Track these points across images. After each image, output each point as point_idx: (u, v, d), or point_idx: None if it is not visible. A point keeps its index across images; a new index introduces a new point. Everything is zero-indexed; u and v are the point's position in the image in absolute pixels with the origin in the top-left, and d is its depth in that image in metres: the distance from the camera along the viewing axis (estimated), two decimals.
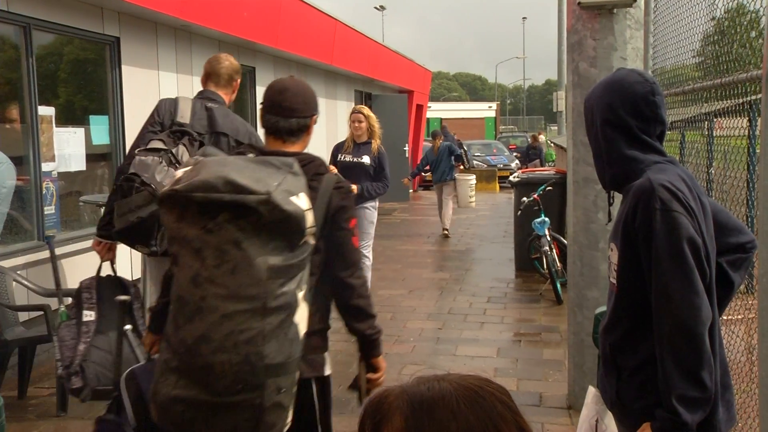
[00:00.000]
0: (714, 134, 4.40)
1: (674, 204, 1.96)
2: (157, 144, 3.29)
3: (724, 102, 3.54)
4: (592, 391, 2.42)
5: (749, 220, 4.22)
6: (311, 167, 2.49)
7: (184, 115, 3.50)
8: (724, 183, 4.19)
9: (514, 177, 9.47)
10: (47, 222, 6.03)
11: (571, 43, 4.49)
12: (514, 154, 27.11)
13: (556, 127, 30.42)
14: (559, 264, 7.81)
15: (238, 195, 2.10)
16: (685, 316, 1.92)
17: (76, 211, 6.60)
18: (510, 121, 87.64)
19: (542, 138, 29.35)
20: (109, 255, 3.53)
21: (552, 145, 24.40)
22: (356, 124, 6.89)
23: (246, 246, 2.11)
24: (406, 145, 16.82)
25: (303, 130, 2.63)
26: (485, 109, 48.53)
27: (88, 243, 6.34)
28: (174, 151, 3.28)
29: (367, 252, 6.61)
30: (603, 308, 2.51)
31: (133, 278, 6.02)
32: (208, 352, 2.14)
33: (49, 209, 6.12)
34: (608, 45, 4.32)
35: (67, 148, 6.35)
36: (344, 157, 6.84)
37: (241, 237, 2.11)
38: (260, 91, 10.24)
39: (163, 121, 3.52)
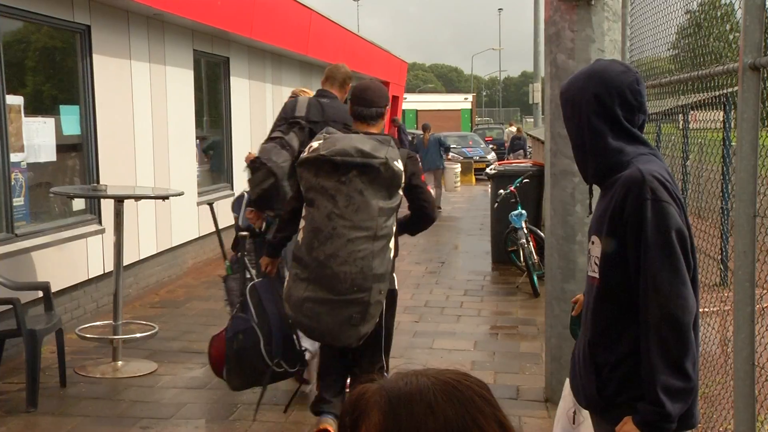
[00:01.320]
0: (689, 127, 4.45)
1: (664, 194, 1.97)
2: (276, 134, 4.55)
3: (700, 95, 3.58)
4: (568, 384, 2.43)
5: (725, 213, 4.28)
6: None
7: (300, 110, 4.62)
8: (700, 176, 4.24)
9: (490, 169, 9.50)
10: (16, 214, 5.94)
11: (548, 35, 4.50)
12: (491, 146, 27.20)
13: (532, 119, 30.54)
14: (536, 257, 7.85)
15: (366, 159, 3.42)
16: (672, 306, 1.93)
17: (46, 203, 6.51)
18: (486, 113, 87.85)
19: (513, 128, 29.48)
20: (258, 222, 4.72)
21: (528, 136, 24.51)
22: None
23: (366, 193, 3.42)
24: None
25: (380, 116, 3.76)
26: (461, 101, 48.57)
27: (59, 235, 6.27)
28: (287, 137, 4.50)
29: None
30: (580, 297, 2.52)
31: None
32: (335, 265, 3.41)
33: (18, 201, 6.04)
34: (586, 37, 4.34)
35: (37, 139, 6.26)
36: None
37: (364, 187, 3.43)
38: (234, 82, 10.21)
39: (286, 116, 4.64)
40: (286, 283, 3.64)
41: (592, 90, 2.11)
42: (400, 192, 3.56)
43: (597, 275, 2.11)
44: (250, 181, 4.53)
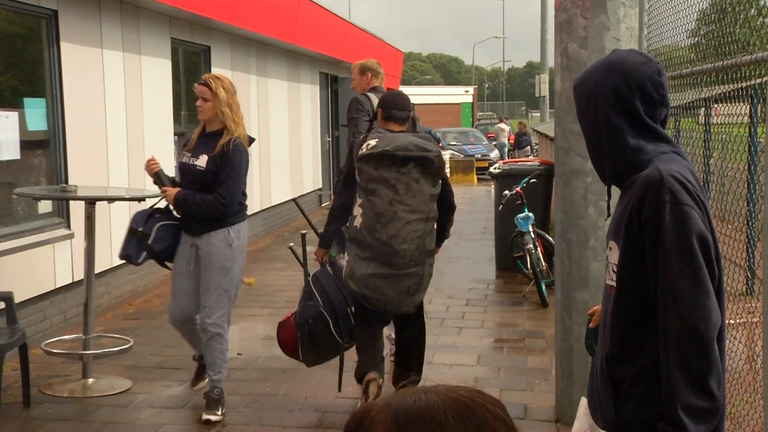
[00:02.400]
0: (712, 122, 4.44)
1: (684, 197, 1.96)
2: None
3: (724, 86, 3.57)
4: (584, 403, 2.42)
5: (751, 216, 4.27)
6: None
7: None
8: (724, 176, 4.23)
9: (494, 168, 9.50)
10: None
11: (559, 22, 4.50)
12: (494, 143, 27.25)
13: (538, 114, 30.60)
14: (544, 263, 7.85)
15: (423, 152, 4.46)
16: (694, 318, 1.92)
17: (9, 206, 6.47)
18: (488, 107, 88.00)
19: (504, 126, 29.53)
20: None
21: (535, 132, 24.53)
22: (199, 103, 4.77)
23: (421, 182, 4.47)
24: None
25: (408, 118, 4.79)
26: (461, 94, 48.65)
27: (24, 241, 6.22)
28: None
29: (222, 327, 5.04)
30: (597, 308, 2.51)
31: None
32: (396, 243, 4.45)
33: None
34: (600, 24, 4.34)
35: None
36: (183, 157, 4.90)
37: (419, 177, 4.47)
38: (215, 71, 10.11)
39: (367, 111, 5.54)
40: (346, 263, 4.65)
41: (609, 83, 2.10)
42: (440, 181, 4.68)
43: (614, 284, 2.10)
44: None
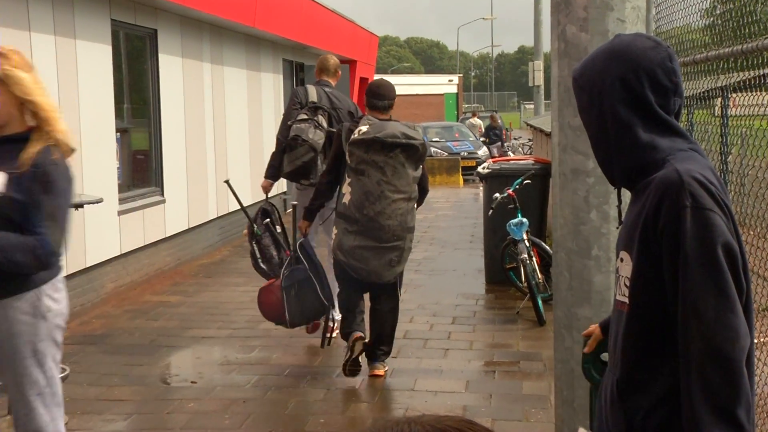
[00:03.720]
0: (729, 114, 4.46)
1: (707, 200, 1.96)
2: (303, 116, 6.76)
3: (744, 73, 3.59)
4: None
5: None
6: None
7: (313, 97, 6.89)
8: (744, 175, 4.25)
9: (482, 168, 9.51)
10: None
11: (555, 2, 4.50)
12: (481, 139, 27.35)
13: (532, 106, 30.76)
14: (540, 276, 7.86)
15: (409, 140, 5.63)
16: (719, 338, 1.92)
17: None
18: (475, 98, 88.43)
19: (475, 121, 29.69)
20: (270, 189, 7.08)
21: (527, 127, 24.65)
22: None
23: (406, 165, 5.64)
24: None
25: (390, 107, 5.99)
26: (444, 84, 48.86)
27: None
28: (316, 119, 6.75)
29: None
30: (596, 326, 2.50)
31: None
32: (382, 219, 5.61)
33: None
34: (602, 4, 4.34)
35: None
36: None
37: (405, 161, 5.64)
38: (164, 60, 10.13)
39: (301, 101, 6.90)
40: (335, 236, 5.88)
41: (615, 73, 2.11)
42: (421, 166, 5.93)
43: (627, 300, 2.10)
44: (288, 155, 6.72)
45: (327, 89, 7.05)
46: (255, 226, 6.86)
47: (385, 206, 5.71)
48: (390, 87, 6.13)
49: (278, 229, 6.86)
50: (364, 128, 5.75)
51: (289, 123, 6.82)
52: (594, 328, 2.55)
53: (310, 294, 6.12)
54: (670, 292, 2.00)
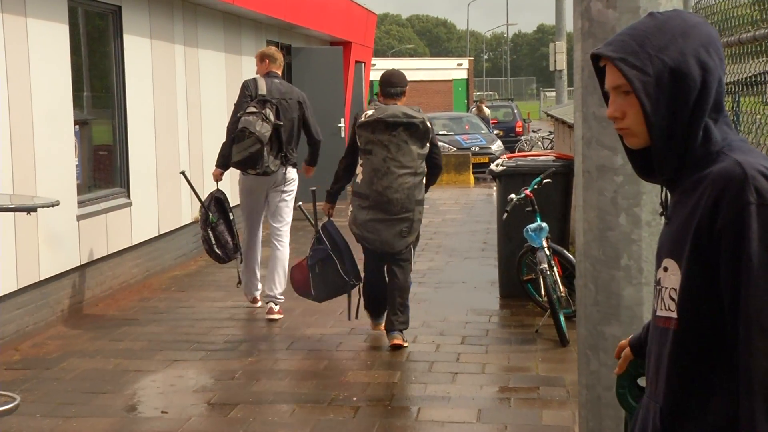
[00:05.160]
0: None
1: None
2: (252, 109, 8.14)
3: None
4: None
5: None
6: None
7: (262, 89, 8.31)
8: None
9: (496, 165, 9.51)
10: None
11: None
12: (495, 131, 27.38)
13: (554, 93, 30.81)
14: (562, 288, 7.85)
15: (409, 119, 7.29)
16: None
17: None
18: (488, 84, 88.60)
19: (486, 110, 29.77)
20: (220, 178, 8.58)
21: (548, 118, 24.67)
22: None
23: (410, 143, 7.32)
24: (342, 119, 16.78)
25: (402, 94, 7.48)
26: (453, 68, 48.93)
27: None
28: (264, 112, 8.11)
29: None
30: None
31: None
32: (390, 193, 7.28)
33: None
34: None
35: None
36: None
37: (408, 138, 7.31)
38: (129, 42, 10.12)
39: (251, 94, 8.30)
40: (350, 212, 7.53)
41: (689, 49, 2.13)
42: (428, 144, 7.44)
43: (675, 315, 2.10)
44: (236, 146, 8.12)
45: (276, 80, 8.50)
46: (210, 213, 8.44)
47: (392, 181, 7.26)
48: (402, 75, 7.69)
49: (231, 216, 8.68)
50: (369, 112, 7.40)
51: (239, 115, 8.22)
52: (624, 343, 2.54)
53: (331, 272, 7.63)
54: (728, 304, 2.00)
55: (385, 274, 7.58)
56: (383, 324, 7.63)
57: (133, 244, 10.11)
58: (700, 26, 2.17)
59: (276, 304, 8.50)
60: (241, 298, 9.05)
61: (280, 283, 8.48)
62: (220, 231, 8.48)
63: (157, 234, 10.74)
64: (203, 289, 9.98)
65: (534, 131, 31.11)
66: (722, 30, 4.11)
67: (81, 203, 9.04)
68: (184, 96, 11.59)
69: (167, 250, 11.08)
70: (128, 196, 10.08)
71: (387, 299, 7.54)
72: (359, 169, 7.42)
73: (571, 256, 8.03)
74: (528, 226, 8.04)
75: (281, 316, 8.47)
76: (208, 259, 11.18)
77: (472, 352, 7.50)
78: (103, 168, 10.11)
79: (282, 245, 8.57)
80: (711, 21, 4.24)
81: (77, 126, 9.16)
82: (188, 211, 11.54)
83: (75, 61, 9.08)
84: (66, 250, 8.65)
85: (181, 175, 8.45)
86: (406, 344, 7.44)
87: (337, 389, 6.56)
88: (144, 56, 10.47)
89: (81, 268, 8.92)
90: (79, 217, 8.88)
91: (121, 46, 10.02)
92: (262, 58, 8.74)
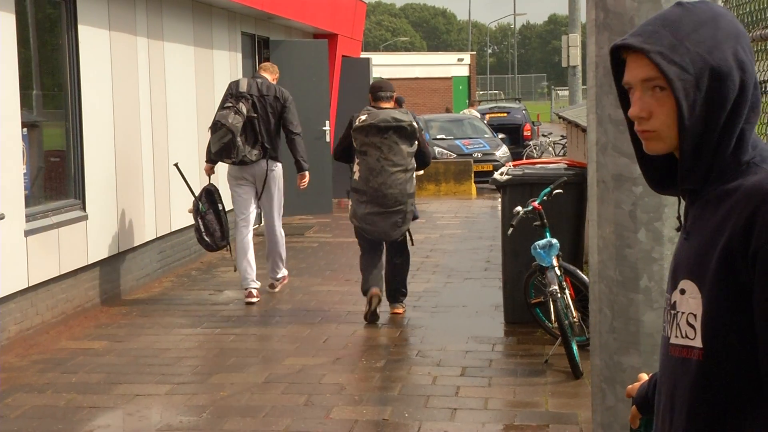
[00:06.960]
0: None
1: None
2: (228, 104, 10.17)
3: None
4: None
5: None
6: None
7: (243, 87, 10.28)
8: None
9: (500, 174, 9.53)
10: None
11: None
12: (500, 135, 27.40)
13: (566, 93, 30.86)
14: (575, 313, 7.85)
15: (398, 123, 9.47)
16: None
17: None
18: (493, 82, 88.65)
19: (474, 111, 29.80)
20: (212, 172, 10.64)
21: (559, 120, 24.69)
22: None
23: (400, 143, 9.51)
24: (327, 122, 16.78)
25: (390, 98, 9.75)
26: (453, 64, 49.02)
27: None
28: (238, 106, 10.11)
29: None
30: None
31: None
32: (385, 189, 9.45)
33: None
34: None
35: None
36: None
37: (398, 140, 9.49)
38: (85, 34, 10.13)
39: (232, 92, 10.24)
40: (350, 206, 9.54)
41: (731, 50, 2.14)
42: (416, 142, 9.44)
43: (697, 344, 2.10)
44: (212, 137, 10.01)
45: (259, 80, 10.42)
46: (200, 203, 10.45)
47: (386, 178, 9.20)
48: (389, 83, 10.01)
49: (221, 206, 10.54)
50: (363, 117, 9.28)
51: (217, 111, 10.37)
52: (635, 387, 2.55)
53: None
54: (761, 334, 2.01)
55: (383, 257, 9.72)
56: (373, 291, 9.40)
57: (89, 263, 10.09)
58: (732, 20, 2.18)
59: (277, 281, 10.90)
60: (211, 323, 9.46)
61: (279, 267, 10.87)
62: (209, 220, 10.48)
63: (116, 251, 10.72)
64: (169, 315, 9.97)
65: (544, 135, 31.17)
66: (753, 23, 4.14)
67: (29, 217, 9.02)
68: (148, 95, 11.58)
69: (128, 270, 11.07)
70: (83, 208, 10.06)
71: (387, 277, 9.71)
72: (356, 168, 9.39)
73: (584, 277, 8.04)
74: (536, 243, 8.04)
75: (277, 290, 10.89)
76: (175, 279, 11.22)
77: (473, 385, 7.50)
78: (55, 177, 10.09)
79: (274, 234, 10.74)
80: (738, 13, 4.27)
81: (25, 129, 9.15)
82: (152, 226, 11.53)
83: (23, 55, 9.08)
84: (12, 270, 8.63)
85: (175, 167, 10.57)
86: (403, 310, 9.76)
87: (320, 428, 6.57)
88: (102, 50, 10.46)
89: (29, 291, 8.90)
90: (28, 233, 8.86)
91: (75, 37, 10.02)
92: (272, 70, 10.96)
